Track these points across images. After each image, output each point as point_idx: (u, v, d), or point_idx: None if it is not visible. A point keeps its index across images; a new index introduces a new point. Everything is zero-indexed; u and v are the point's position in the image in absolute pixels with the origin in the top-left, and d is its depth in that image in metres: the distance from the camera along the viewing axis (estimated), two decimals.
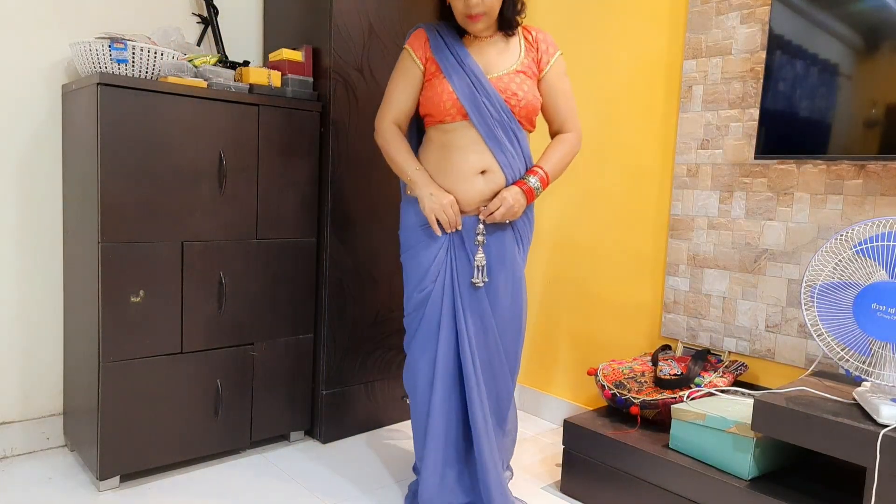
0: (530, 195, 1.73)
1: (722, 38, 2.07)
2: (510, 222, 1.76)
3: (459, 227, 1.73)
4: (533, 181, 1.73)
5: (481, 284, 1.74)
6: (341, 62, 2.23)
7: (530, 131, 1.81)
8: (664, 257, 2.28)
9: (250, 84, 2.12)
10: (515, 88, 1.70)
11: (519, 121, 1.73)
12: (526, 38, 1.77)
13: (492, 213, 1.70)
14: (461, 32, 1.76)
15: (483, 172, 1.70)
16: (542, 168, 1.75)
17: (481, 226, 1.73)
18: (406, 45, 1.78)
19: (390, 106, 1.78)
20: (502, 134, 1.70)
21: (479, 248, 1.74)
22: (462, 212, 1.73)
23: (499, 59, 1.74)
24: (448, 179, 1.71)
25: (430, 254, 1.75)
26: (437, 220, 1.71)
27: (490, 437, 1.76)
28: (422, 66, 1.75)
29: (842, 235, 1.47)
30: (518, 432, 2.57)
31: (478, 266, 1.74)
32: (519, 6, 1.73)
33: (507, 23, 1.73)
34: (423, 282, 1.77)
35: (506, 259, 1.77)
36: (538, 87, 1.77)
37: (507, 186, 1.73)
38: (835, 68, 1.73)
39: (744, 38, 2.01)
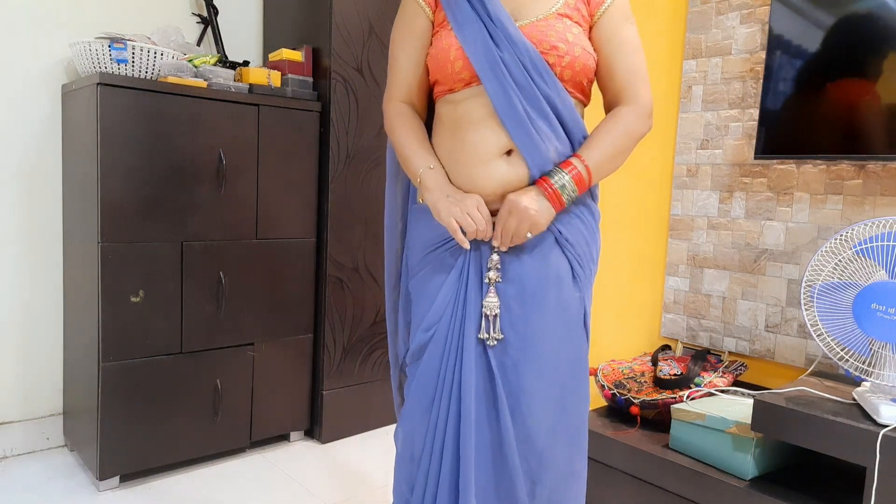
0: (556, 200, 1.15)
1: (722, 38, 2.07)
2: (556, 239, 1.20)
3: (489, 237, 1.18)
4: (560, 179, 1.15)
5: (493, 343, 1.18)
6: (341, 62, 2.23)
7: (584, 104, 1.27)
8: (664, 257, 2.28)
9: (250, 84, 2.12)
10: (556, 39, 1.16)
11: (563, 85, 1.19)
12: None
13: (499, 233, 1.16)
14: None
15: (508, 153, 1.18)
16: (580, 159, 1.17)
17: (495, 256, 1.18)
18: None
19: (395, 78, 1.28)
20: (529, 106, 1.16)
21: (491, 288, 1.18)
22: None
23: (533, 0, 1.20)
24: (461, 166, 1.20)
25: (440, 279, 1.23)
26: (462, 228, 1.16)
27: None
28: (430, 12, 1.24)
29: (841, 235, 1.47)
30: None
31: (487, 314, 1.18)
32: None
33: None
34: (429, 317, 1.24)
35: (546, 300, 1.18)
36: (591, 40, 1.24)
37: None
38: (834, 68, 1.73)
39: (744, 38, 2.01)
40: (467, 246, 1.17)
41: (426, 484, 1.23)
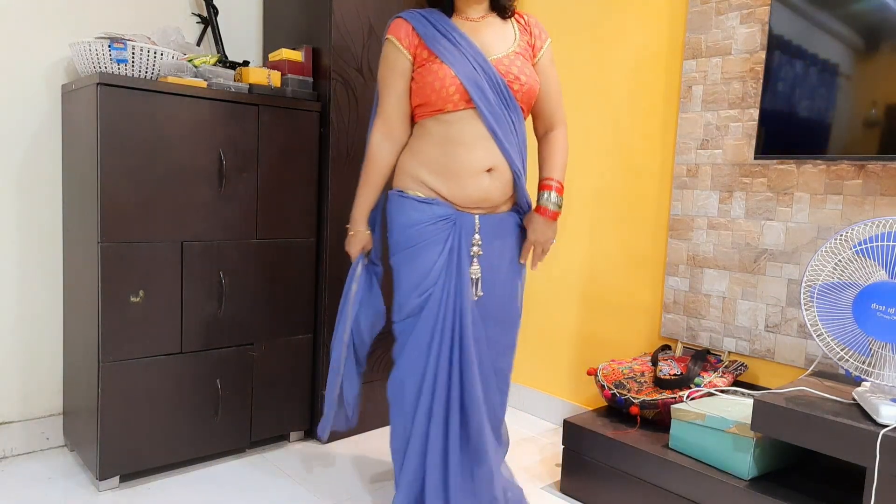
0: (555, 216, 1.66)
1: (722, 38, 2.07)
2: (518, 224, 1.71)
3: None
4: (554, 201, 1.65)
5: (475, 298, 1.65)
6: (341, 62, 2.23)
7: (525, 118, 1.69)
8: (664, 257, 2.28)
9: (250, 84, 2.12)
10: (517, 71, 1.57)
11: (520, 106, 1.61)
12: (518, 22, 1.67)
13: (529, 259, 1.71)
14: (447, 15, 1.64)
15: (490, 170, 1.58)
16: (555, 180, 1.66)
17: (477, 236, 1.62)
18: (388, 35, 1.62)
19: (384, 111, 1.65)
20: (506, 124, 1.58)
21: (475, 260, 1.63)
22: (464, 208, 1.62)
23: (496, 40, 1.61)
24: (453, 178, 1.57)
25: (434, 253, 1.60)
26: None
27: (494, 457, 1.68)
28: (410, 56, 1.60)
29: (841, 235, 1.47)
30: (518, 432, 2.57)
31: (473, 279, 1.63)
32: None
33: (501, 7, 1.64)
34: (424, 283, 1.60)
35: (501, 267, 1.67)
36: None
37: (527, 215, 1.68)
38: (834, 68, 1.73)
39: (744, 38, 2.01)
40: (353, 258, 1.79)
41: (433, 399, 1.61)
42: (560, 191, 1.66)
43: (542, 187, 1.66)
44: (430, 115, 1.60)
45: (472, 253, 1.63)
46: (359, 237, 1.74)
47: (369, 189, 1.69)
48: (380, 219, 1.79)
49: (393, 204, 1.66)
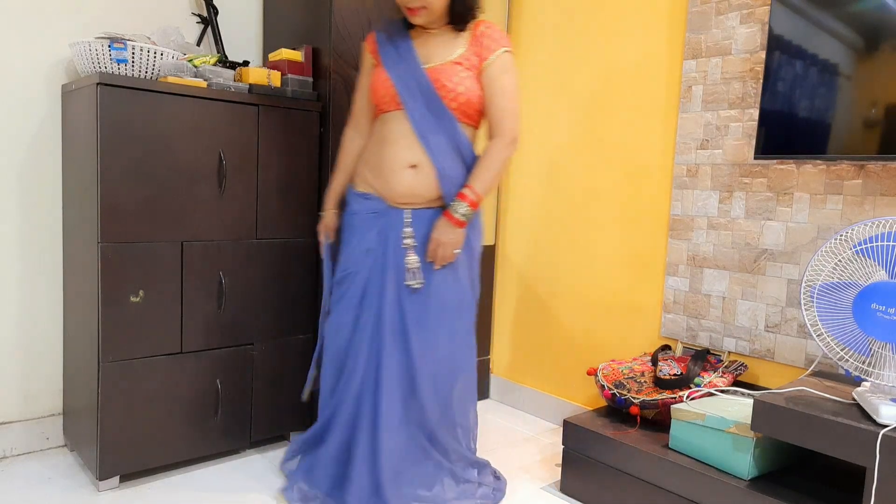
0: (461, 224, 1.70)
1: (722, 38, 2.07)
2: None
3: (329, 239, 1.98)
4: (461, 210, 1.69)
5: (417, 286, 1.73)
6: (341, 62, 2.23)
7: (473, 127, 1.77)
8: (664, 257, 2.28)
9: (250, 84, 2.12)
10: (445, 79, 1.67)
11: (455, 114, 1.70)
12: (473, 33, 1.73)
13: (434, 260, 1.73)
14: (412, 26, 1.78)
15: (413, 167, 1.71)
16: (471, 189, 1.69)
17: (409, 229, 1.74)
18: (364, 43, 1.91)
19: (353, 106, 1.93)
20: (433, 126, 1.69)
21: (411, 251, 1.74)
22: (395, 203, 1.75)
23: (438, 50, 1.72)
24: (382, 174, 1.74)
25: (361, 238, 1.80)
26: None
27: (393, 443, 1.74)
28: (372, 59, 1.83)
29: (841, 235, 1.47)
30: (518, 432, 2.57)
31: (409, 269, 1.73)
32: (469, 2, 1.71)
33: (457, 17, 1.72)
34: (349, 262, 1.82)
35: (443, 269, 1.75)
36: (479, 82, 1.72)
37: (442, 190, 1.73)
38: (834, 68, 1.73)
39: (743, 38, 2.01)
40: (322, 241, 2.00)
41: (357, 357, 1.78)
42: (473, 204, 1.70)
43: (457, 194, 1.71)
44: (378, 115, 1.80)
45: (404, 245, 1.74)
46: (323, 219, 1.97)
47: (335, 174, 1.96)
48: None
49: (347, 195, 1.90)
